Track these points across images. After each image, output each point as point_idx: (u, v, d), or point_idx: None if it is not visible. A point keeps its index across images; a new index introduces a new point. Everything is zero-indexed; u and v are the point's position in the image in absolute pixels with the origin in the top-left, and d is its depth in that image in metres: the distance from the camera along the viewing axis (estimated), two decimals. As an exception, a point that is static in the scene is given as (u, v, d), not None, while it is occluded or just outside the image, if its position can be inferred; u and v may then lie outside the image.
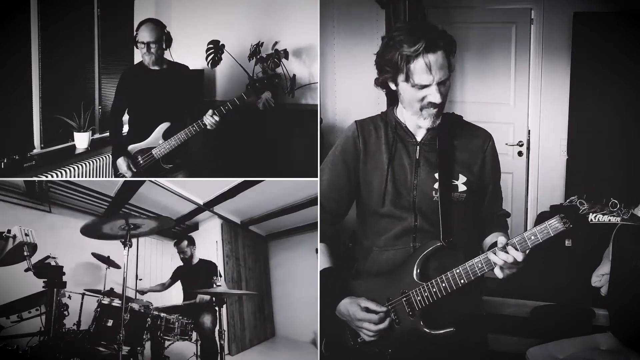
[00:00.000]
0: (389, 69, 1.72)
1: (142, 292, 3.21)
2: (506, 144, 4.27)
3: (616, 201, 1.50)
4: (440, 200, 1.74)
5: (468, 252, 1.72)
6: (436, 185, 1.76)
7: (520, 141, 4.29)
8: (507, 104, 4.27)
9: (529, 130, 4.26)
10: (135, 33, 2.81)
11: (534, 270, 3.54)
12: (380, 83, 1.79)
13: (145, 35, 2.76)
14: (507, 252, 1.61)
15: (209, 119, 2.74)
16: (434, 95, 1.69)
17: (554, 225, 1.56)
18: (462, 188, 1.77)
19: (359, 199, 1.88)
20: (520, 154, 4.30)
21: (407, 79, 1.69)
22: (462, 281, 1.68)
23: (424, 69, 1.66)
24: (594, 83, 3.87)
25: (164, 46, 2.82)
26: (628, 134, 3.78)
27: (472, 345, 1.81)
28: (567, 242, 3.86)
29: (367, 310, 1.74)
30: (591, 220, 1.52)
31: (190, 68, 3.49)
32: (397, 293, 1.75)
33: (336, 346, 1.85)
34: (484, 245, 1.83)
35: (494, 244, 1.66)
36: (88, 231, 2.53)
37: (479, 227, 1.85)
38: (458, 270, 1.68)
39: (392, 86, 1.77)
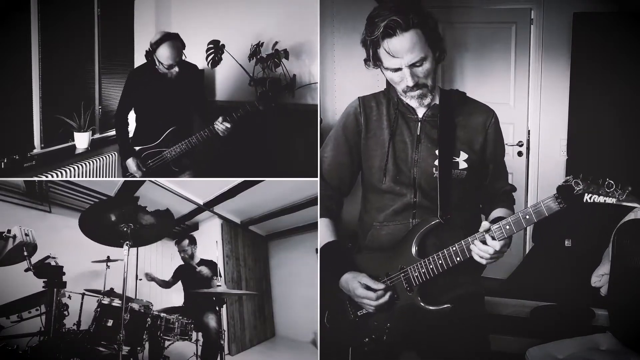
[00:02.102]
0: (367, 53, 1.74)
1: (151, 278, 3.22)
2: (506, 144, 4.27)
3: (612, 182, 1.48)
4: (439, 177, 1.74)
5: (467, 230, 1.72)
6: (436, 162, 1.75)
7: (520, 141, 4.28)
8: (506, 104, 4.26)
9: (529, 130, 4.26)
10: (150, 48, 2.74)
11: (534, 270, 3.54)
12: (373, 65, 1.79)
13: (167, 57, 2.70)
14: (486, 244, 1.62)
15: (220, 126, 2.73)
16: (406, 79, 1.69)
17: (549, 205, 1.56)
18: (462, 165, 1.76)
19: (361, 174, 1.88)
20: (520, 154, 4.29)
21: (379, 64, 1.71)
22: (458, 258, 1.68)
23: (386, 55, 1.67)
24: (593, 83, 3.87)
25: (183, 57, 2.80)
26: (628, 134, 3.77)
27: (470, 324, 1.82)
28: (567, 242, 3.86)
29: (367, 287, 1.75)
30: (586, 200, 1.50)
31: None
32: (396, 268, 1.77)
33: (337, 318, 1.87)
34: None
35: (496, 219, 1.66)
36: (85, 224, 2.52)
37: (483, 203, 1.85)
38: (455, 248, 1.68)
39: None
